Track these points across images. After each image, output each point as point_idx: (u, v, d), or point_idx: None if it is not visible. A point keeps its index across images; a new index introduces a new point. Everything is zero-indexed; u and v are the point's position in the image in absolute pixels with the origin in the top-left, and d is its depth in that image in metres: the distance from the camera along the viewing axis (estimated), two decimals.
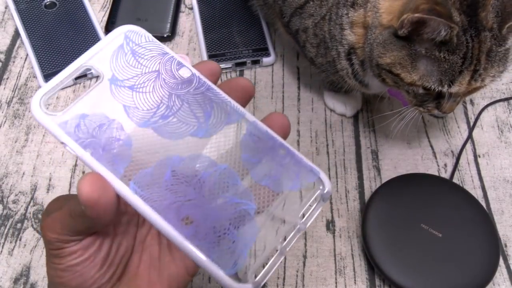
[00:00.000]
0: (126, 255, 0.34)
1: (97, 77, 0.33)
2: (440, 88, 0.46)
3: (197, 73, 0.33)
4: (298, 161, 0.33)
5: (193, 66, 0.34)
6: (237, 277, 0.30)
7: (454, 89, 0.46)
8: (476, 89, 0.48)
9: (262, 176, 0.32)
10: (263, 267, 0.30)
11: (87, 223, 0.30)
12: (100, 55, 0.33)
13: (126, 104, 0.32)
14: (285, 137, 0.33)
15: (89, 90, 0.33)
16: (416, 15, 0.41)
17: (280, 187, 0.32)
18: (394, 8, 0.45)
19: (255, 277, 0.30)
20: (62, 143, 0.30)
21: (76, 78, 0.65)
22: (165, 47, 0.34)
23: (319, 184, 0.33)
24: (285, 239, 0.31)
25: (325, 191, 0.33)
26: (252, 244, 0.31)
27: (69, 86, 0.66)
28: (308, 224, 0.31)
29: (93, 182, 0.28)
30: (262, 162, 0.32)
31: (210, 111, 0.33)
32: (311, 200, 0.32)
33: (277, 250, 0.31)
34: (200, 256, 0.29)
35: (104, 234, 0.32)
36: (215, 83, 0.34)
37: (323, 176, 0.33)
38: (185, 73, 0.33)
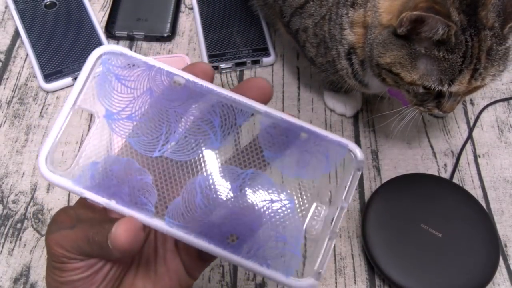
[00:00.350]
0: (125, 269, 0.34)
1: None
2: (440, 88, 0.46)
3: (191, 78, 0.31)
4: (322, 139, 0.31)
5: (184, 69, 0.31)
6: (297, 274, 0.30)
7: (454, 88, 0.46)
8: (476, 88, 0.48)
9: (291, 169, 0.31)
10: (319, 256, 0.30)
11: (105, 254, 0.29)
12: (85, 93, 0.30)
13: (130, 137, 0.30)
14: (265, 101, 0.32)
15: (89, 135, 0.31)
16: (415, 12, 0.41)
17: (313, 174, 0.31)
18: (394, 7, 0.45)
19: (314, 268, 0.30)
20: (85, 198, 0.29)
21: (76, 78, 0.65)
22: (148, 59, 0.31)
23: (350, 156, 0.31)
24: (332, 222, 0.30)
25: (358, 160, 0.31)
26: (302, 239, 0.30)
27: (69, 86, 0.66)
28: (350, 199, 0.31)
29: (128, 229, 0.27)
30: (286, 154, 0.31)
31: (217, 116, 0.31)
32: (348, 177, 0.31)
33: (328, 235, 0.30)
34: (257, 268, 0.29)
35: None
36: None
37: (353, 146, 0.31)
38: (179, 80, 0.31)
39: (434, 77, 0.45)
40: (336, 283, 0.52)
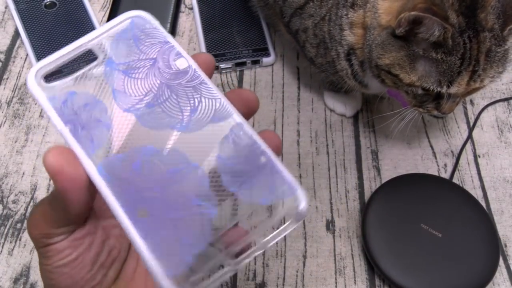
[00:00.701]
0: (120, 258, 0.34)
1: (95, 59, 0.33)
2: (439, 89, 0.46)
3: (194, 66, 0.32)
4: (276, 172, 0.29)
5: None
6: (176, 280, 0.27)
7: (453, 89, 0.46)
8: (476, 89, 0.48)
9: (233, 182, 0.29)
10: (209, 277, 0.28)
11: (63, 207, 0.29)
12: (102, 37, 0.33)
13: (115, 88, 0.32)
14: (251, 113, 0.33)
15: (85, 68, 0.33)
16: (413, 13, 0.41)
17: (249, 197, 0.29)
18: (393, 8, 0.46)
19: (194, 285, 0.28)
20: (48, 116, 0.30)
21: (76, 78, 0.65)
22: (168, 36, 0.33)
23: (294, 202, 0.29)
24: (240, 254, 0.29)
25: (298, 210, 0.29)
26: (203, 250, 0.28)
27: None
28: (270, 244, 0.29)
29: (58, 154, 0.28)
30: (237, 166, 0.30)
31: (197, 106, 0.31)
32: (280, 217, 0.29)
33: (226, 266, 0.28)
34: (143, 250, 0.27)
35: (93, 234, 0.32)
36: (209, 75, 0.33)
37: (300, 194, 0.29)
38: (181, 64, 0.33)
39: (432, 79, 0.45)
40: (336, 283, 0.52)
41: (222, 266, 0.29)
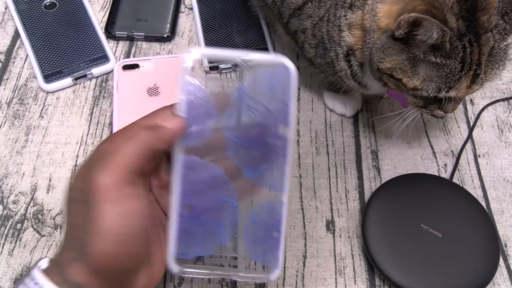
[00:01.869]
0: (156, 226, 0.39)
1: (215, 68, 0.40)
2: (440, 94, 0.46)
3: (290, 140, 0.38)
4: (277, 248, 0.40)
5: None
6: (179, 261, 0.39)
7: (453, 93, 0.46)
8: (477, 89, 0.48)
9: (250, 236, 0.40)
10: (202, 267, 0.40)
11: (152, 157, 0.36)
12: (253, 63, 0.37)
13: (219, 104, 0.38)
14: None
15: (226, 71, 0.42)
16: (412, 14, 0.41)
17: (253, 253, 0.41)
18: (393, 11, 0.45)
19: (187, 269, 0.39)
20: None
21: (76, 79, 0.65)
22: (292, 99, 0.37)
23: (270, 272, 0.40)
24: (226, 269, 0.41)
25: (269, 277, 0.40)
26: (213, 254, 0.41)
27: (69, 87, 0.66)
28: (240, 279, 0.41)
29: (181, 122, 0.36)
30: (257, 233, 0.40)
31: (264, 170, 0.40)
32: (252, 275, 0.41)
33: (221, 265, 0.41)
34: (172, 232, 0.38)
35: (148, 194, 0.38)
36: None
37: (277, 271, 0.40)
38: (283, 130, 0.38)
39: (434, 83, 0.45)
40: (336, 283, 0.52)
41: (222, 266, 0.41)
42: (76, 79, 0.66)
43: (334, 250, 0.54)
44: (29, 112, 0.64)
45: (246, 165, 0.39)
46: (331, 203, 0.57)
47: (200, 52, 0.36)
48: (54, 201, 0.57)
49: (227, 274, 0.41)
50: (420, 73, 0.45)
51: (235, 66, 0.67)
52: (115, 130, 0.61)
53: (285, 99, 0.38)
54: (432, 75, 0.45)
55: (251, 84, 0.38)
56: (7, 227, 0.55)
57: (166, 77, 0.65)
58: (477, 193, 0.58)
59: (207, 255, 0.41)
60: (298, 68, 0.68)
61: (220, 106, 0.38)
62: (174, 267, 0.39)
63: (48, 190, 0.58)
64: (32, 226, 0.55)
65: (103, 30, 0.70)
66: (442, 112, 0.49)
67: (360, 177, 0.59)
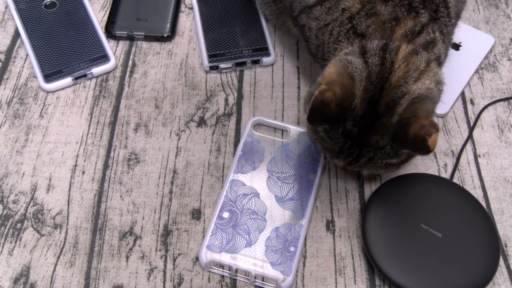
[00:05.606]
0: None
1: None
2: (327, 157, 0.51)
3: (317, 182, 0.57)
4: (292, 260, 0.52)
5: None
6: (208, 253, 0.53)
7: (336, 163, 0.50)
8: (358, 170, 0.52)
9: (269, 248, 0.53)
10: (225, 267, 0.53)
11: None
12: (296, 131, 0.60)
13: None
14: None
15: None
16: (312, 96, 0.44)
17: (272, 260, 0.52)
18: (325, 73, 0.49)
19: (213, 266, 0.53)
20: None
21: (76, 78, 0.65)
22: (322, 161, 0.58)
23: (283, 280, 0.51)
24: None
25: (282, 284, 0.51)
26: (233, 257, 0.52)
27: (69, 86, 0.66)
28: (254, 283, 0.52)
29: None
30: (278, 246, 0.53)
31: (296, 199, 0.56)
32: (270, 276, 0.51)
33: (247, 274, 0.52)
34: (209, 227, 0.54)
35: None
36: None
37: (291, 278, 0.51)
38: (314, 177, 0.57)
39: (322, 147, 0.49)
40: (336, 283, 0.52)
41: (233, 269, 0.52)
42: (76, 78, 0.66)
43: (334, 250, 0.54)
44: (29, 111, 0.64)
45: (277, 194, 0.56)
46: (331, 203, 0.57)
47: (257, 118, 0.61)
48: (54, 201, 0.57)
49: (244, 276, 0.52)
50: (318, 133, 0.49)
51: (235, 66, 0.67)
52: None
53: (317, 157, 0.58)
54: (323, 141, 0.48)
55: (294, 143, 0.59)
56: (7, 227, 0.55)
57: None
58: (477, 193, 0.58)
59: (231, 254, 0.52)
60: (298, 68, 0.68)
61: (266, 152, 0.58)
62: (205, 257, 0.52)
63: (48, 189, 0.58)
64: (32, 225, 0.55)
65: (103, 30, 0.70)
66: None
67: (360, 177, 0.59)
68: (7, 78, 0.67)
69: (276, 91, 0.66)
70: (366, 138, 0.46)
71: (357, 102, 0.46)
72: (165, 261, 0.53)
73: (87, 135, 0.62)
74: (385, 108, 0.45)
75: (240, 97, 0.66)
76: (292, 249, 0.52)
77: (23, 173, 0.59)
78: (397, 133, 0.45)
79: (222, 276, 0.52)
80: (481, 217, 0.53)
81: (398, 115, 0.45)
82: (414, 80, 0.46)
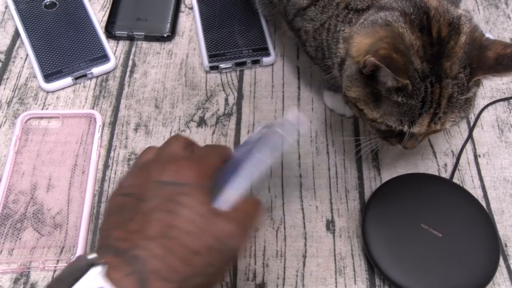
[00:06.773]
0: None
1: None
2: (400, 128, 0.46)
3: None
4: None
5: None
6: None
7: (415, 129, 0.47)
8: (437, 131, 0.49)
9: None
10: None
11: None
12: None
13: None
14: None
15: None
16: (372, 59, 0.42)
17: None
18: (362, 45, 0.46)
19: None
20: None
21: (76, 78, 0.65)
22: None
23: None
24: None
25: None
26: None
27: (69, 86, 0.66)
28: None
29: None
30: None
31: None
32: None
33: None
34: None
35: None
36: None
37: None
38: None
39: (394, 118, 0.46)
40: (336, 283, 0.52)
41: None
42: (76, 78, 0.66)
43: (334, 250, 0.54)
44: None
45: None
46: (331, 203, 0.57)
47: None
48: (54, 200, 0.57)
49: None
50: (381, 107, 0.46)
51: (235, 66, 0.67)
52: None
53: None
54: (394, 111, 0.46)
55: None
56: (7, 227, 0.55)
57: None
58: (477, 193, 0.58)
59: None
60: (298, 68, 0.68)
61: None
62: None
63: (47, 189, 0.58)
64: (32, 225, 0.55)
65: (103, 30, 0.70)
66: (401, 147, 0.50)
67: (360, 177, 0.59)
68: (7, 78, 0.67)
69: (276, 91, 0.66)
70: (439, 68, 0.45)
71: (410, 38, 0.44)
72: None
73: (87, 135, 0.62)
74: (448, 31, 0.45)
75: (240, 97, 0.66)
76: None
77: (23, 173, 0.59)
78: (473, 58, 0.44)
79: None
80: (481, 217, 0.53)
81: (466, 34, 0.45)
82: (449, 8, 0.46)
